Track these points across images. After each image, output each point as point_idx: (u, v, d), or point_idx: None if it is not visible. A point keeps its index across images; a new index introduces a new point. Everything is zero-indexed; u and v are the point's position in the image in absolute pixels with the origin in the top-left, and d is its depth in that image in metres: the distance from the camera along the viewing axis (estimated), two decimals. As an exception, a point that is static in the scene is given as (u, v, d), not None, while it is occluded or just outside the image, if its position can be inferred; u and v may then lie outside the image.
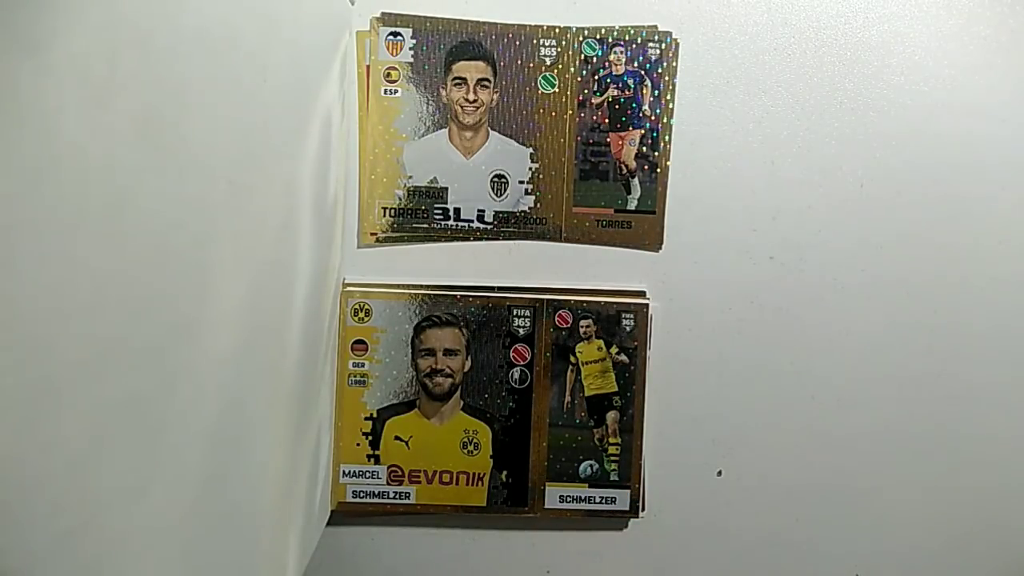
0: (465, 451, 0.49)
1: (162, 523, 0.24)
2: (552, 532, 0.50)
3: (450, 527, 0.50)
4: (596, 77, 0.49)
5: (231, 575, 0.31)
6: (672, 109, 0.49)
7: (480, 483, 0.49)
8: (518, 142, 0.49)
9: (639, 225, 0.49)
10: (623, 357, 0.49)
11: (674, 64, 0.49)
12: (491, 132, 0.49)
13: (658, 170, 0.49)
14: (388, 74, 0.49)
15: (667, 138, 0.49)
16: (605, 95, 0.49)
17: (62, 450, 0.18)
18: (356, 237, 0.49)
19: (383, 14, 0.48)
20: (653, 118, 0.49)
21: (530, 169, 0.49)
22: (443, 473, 0.49)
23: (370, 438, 0.49)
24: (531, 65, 0.49)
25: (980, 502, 0.51)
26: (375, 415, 0.49)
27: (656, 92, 0.49)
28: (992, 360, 0.50)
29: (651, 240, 0.50)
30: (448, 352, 0.49)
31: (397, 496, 0.49)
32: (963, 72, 0.50)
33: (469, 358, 0.49)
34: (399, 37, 0.48)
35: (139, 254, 0.21)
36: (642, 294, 0.49)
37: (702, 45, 0.49)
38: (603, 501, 0.49)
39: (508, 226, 0.49)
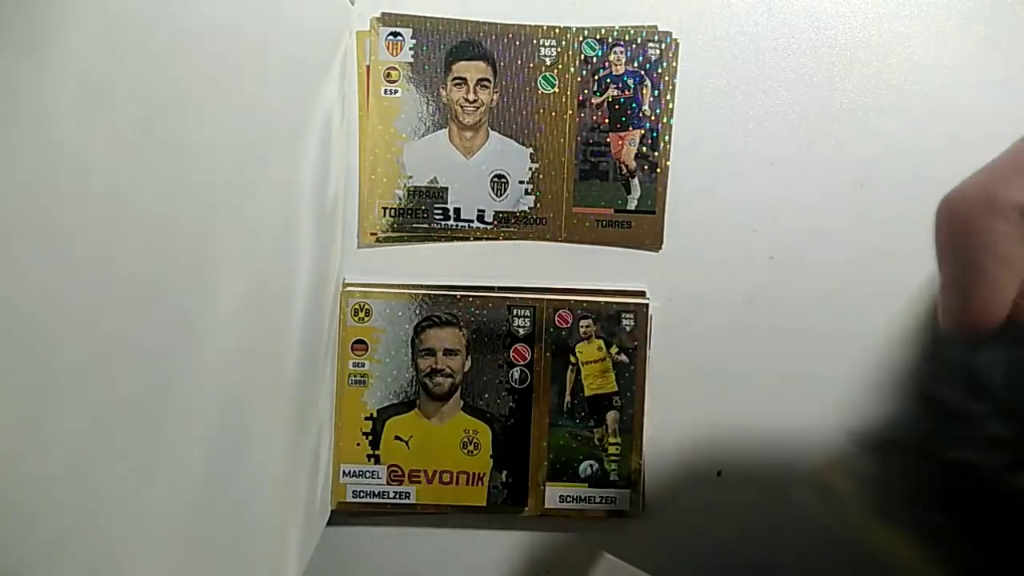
0: (465, 451, 0.49)
1: (162, 523, 0.24)
2: (552, 532, 0.50)
3: (450, 527, 0.50)
4: (596, 77, 0.49)
5: (231, 575, 0.31)
6: (672, 109, 0.49)
7: (480, 483, 0.49)
8: (518, 142, 0.49)
9: (639, 225, 0.49)
10: (623, 357, 0.49)
11: (674, 64, 0.49)
12: (491, 132, 0.49)
13: (658, 170, 0.49)
14: (388, 74, 0.49)
15: (667, 138, 0.49)
16: (605, 95, 0.49)
17: (62, 449, 0.18)
18: (356, 237, 0.49)
19: (383, 14, 0.48)
20: (653, 118, 0.49)
21: (530, 169, 0.49)
22: (443, 473, 0.49)
23: (370, 438, 0.49)
24: (531, 65, 0.49)
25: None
26: (375, 415, 0.49)
27: (656, 92, 0.49)
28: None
29: (651, 240, 0.50)
30: (448, 352, 0.49)
31: (397, 496, 0.49)
32: (963, 72, 0.50)
33: (469, 358, 0.49)
34: (399, 37, 0.48)
35: (139, 254, 0.21)
36: (642, 294, 0.49)
37: (702, 45, 0.49)
38: (603, 501, 0.49)
39: (508, 226, 0.49)
